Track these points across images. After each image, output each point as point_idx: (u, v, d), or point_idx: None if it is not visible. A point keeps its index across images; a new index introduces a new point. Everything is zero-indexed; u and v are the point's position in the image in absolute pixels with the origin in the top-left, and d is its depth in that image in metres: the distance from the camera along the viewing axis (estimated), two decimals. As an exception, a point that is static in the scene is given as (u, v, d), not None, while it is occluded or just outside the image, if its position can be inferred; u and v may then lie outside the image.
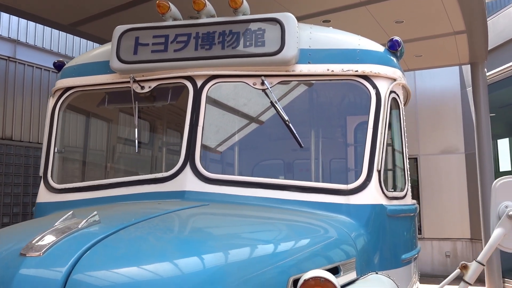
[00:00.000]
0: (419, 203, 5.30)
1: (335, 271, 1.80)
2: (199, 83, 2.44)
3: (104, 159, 3.32)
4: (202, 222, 1.85)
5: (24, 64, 7.46)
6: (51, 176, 2.62)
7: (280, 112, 2.33)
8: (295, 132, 2.31)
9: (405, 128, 2.63)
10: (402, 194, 2.46)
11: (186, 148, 2.33)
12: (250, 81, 2.42)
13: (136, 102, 2.54)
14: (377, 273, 2.15)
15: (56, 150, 2.71)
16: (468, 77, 8.33)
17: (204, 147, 2.37)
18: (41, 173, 2.64)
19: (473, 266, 1.10)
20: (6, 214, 6.95)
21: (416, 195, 8.72)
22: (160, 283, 1.24)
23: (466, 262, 1.13)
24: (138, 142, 3.03)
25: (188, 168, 2.29)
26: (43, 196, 2.58)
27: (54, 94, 2.78)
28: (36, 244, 1.25)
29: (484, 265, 1.12)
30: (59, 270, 1.19)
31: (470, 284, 1.12)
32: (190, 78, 2.46)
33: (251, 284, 1.41)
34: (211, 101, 2.47)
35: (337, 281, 1.11)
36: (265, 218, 2.00)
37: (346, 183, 2.25)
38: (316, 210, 2.18)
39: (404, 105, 3.11)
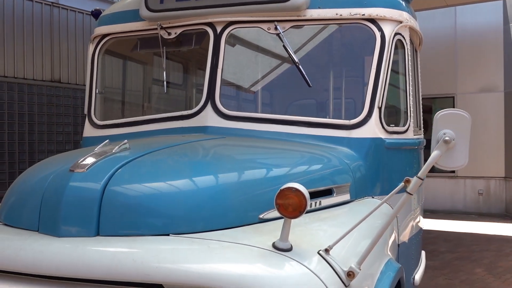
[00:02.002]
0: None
1: (328, 192, 2.12)
2: (218, 29, 2.71)
3: (140, 99, 3.70)
4: (216, 149, 2.19)
5: (67, 9, 7.84)
6: (94, 114, 3.03)
7: (291, 55, 2.58)
8: (304, 73, 2.56)
9: (413, 68, 2.81)
10: (403, 129, 2.69)
11: (207, 88, 2.64)
12: (264, 26, 2.66)
13: (164, 47, 2.85)
14: (372, 197, 2.46)
15: (97, 91, 3.10)
16: (512, 11, 8.07)
17: (223, 87, 2.67)
18: (85, 111, 3.05)
19: (414, 180, 1.38)
20: (59, 151, 7.59)
21: (451, 133, 8.74)
22: (174, 193, 1.60)
23: (409, 177, 1.41)
24: (169, 83, 3.37)
25: (209, 106, 2.61)
26: (88, 131, 3.00)
27: (93, 41, 3.12)
28: (81, 163, 1.62)
29: (422, 180, 1.38)
30: (98, 182, 1.56)
31: (411, 194, 1.40)
32: (210, 24, 2.72)
33: (250, 201, 1.75)
34: (230, 45, 2.74)
35: (307, 192, 1.41)
36: (271, 147, 2.32)
37: (349, 118, 2.51)
38: (320, 143, 2.47)
39: (417, 48, 3.27)
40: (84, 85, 6.66)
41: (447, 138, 1.36)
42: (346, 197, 2.22)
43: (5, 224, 1.71)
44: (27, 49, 7.26)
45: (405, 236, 2.75)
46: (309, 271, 1.38)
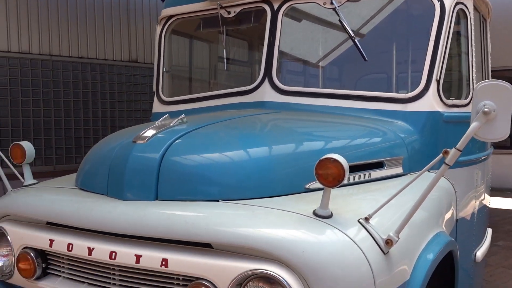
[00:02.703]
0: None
1: (379, 165, 2.15)
2: (275, 6, 2.77)
3: (205, 76, 3.87)
4: (269, 122, 2.29)
5: (142, -7, 8.20)
6: (162, 91, 3.24)
7: (346, 29, 2.59)
8: (360, 47, 2.57)
9: (478, 39, 2.70)
10: (464, 102, 2.62)
11: (265, 65, 2.73)
12: (320, 1, 2.68)
13: (224, 25, 2.97)
14: (429, 171, 2.44)
15: (164, 70, 3.30)
16: None
17: (280, 63, 2.75)
18: (154, 89, 3.28)
19: (452, 151, 1.38)
20: (137, 127, 8.03)
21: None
22: (225, 162, 1.73)
23: (447, 149, 1.41)
24: (233, 60, 3.50)
25: (266, 82, 2.70)
26: (156, 107, 3.22)
27: (160, 22, 3.32)
28: (142, 135, 1.80)
29: (460, 151, 1.38)
30: (157, 152, 1.73)
31: (449, 166, 1.41)
32: (267, 2, 2.79)
33: (297, 171, 1.84)
34: (287, 21, 2.80)
35: (346, 162, 1.47)
36: (323, 121, 2.37)
37: (405, 92, 2.49)
38: (376, 116, 2.48)
39: (486, 17, 3.12)
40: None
41: (486, 109, 1.35)
42: (398, 170, 2.24)
43: (81, 189, 1.95)
44: (107, 31, 7.73)
45: (466, 212, 2.70)
46: (347, 238, 1.46)
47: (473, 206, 2.84)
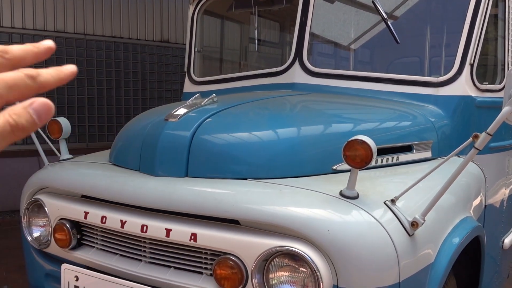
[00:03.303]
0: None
1: (407, 148, 2.14)
2: (308, -13, 2.75)
3: (236, 57, 3.89)
4: (298, 104, 2.31)
5: (175, -28, 8.22)
6: (193, 71, 3.28)
7: (379, 11, 2.55)
8: (392, 29, 2.54)
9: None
10: (498, 87, 2.57)
11: (296, 46, 2.73)
12: (354, -18, 2.65)
13: (256, 6, 2.97)
14: (458, 156, 2.42)
15: (196, 50, 3.33)
16: None
17: (311, 44, 2.74)
18: (185, 69, 3.32)
19: (482, 135, 1.37)
20: (167, 107, 8.13)
21: None
22: (254, 142, 1.76)
23: (477, 133, 1.39)
24: (265, 41, 3.51)
25: (296, 63, 2.71)
26: (188, 87, 3.27)
27: (193, 2, 3.34)
28: (174, 113, 1.84)
29: (491, 135, 1.37)
30: (188, 130, 1.77)
31: (479, 150, 1.40)
32: (300, -17, 2.78)
33: (325, 152, 1.85)
34: (319, 2, 2.78)
35: (374, 144, 1.47)
36: (353, 103, 2.37)
37: (438, 76, 2.46)
38: (407, 100, 2.46)
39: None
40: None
41: (519, 94, 1.34)
42: (427, 154, 2.22)
43: (114, 164, 2.02)
44: (140, 11, 7.81)
45: (495, 199, 2.67)
46: (373, 219, 1.47)
47: (503, 193, 2.80)
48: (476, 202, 2.26)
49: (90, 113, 7.35)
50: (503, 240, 2.84)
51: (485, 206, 2.46)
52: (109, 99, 7.57)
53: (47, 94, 6.87)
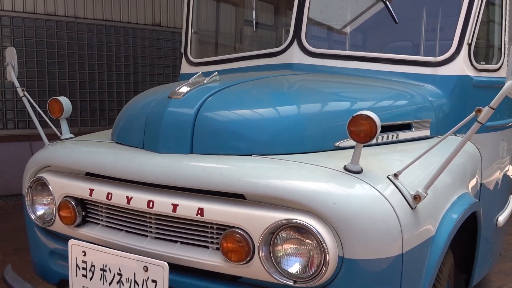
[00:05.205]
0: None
1: (407, 126, 2.18)
2: (306, -34, 2.75)
3: (232, 39, 3.88)
4: (298, 82, 2.32)
5: (166, -46, 8.12)
6: (190, 52, 3.28)
7: (378, -9, 2.56)
8: (390, 8, 2.55)
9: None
10: (495, 67, 2.60)
11: (294, 27, 2.73)
12: (352, -38, 2.65)
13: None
14: (455, 135, 2.45)
15: (192, 31, 3.32)
16: None
17: (309, 25, 2.75)
18: (182, 50, 3.31)
19: (485, 109, 1.40)
20: (160, 91, 8.08)
21: None
22: (258, 119, 1.78)
23: (480, 107, 1.43)
24: (260, 23, 3.50)
25: (295, 44, 2.71)
26: (184, 68, 3.27)
27: (189, -17, 3.32)
28: (178, 91, 1.85)
29: (494, 109, 1.40)
30: (192, 108, 1.78)
31: (482, 123, 1.43)
32: (298, -38, 2.77)
33: (327, 129, 1.88)
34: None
35: (378, 118, 1.50)
36: (352, 83, 2.39)
37: (436, 55, 2.48)
38: (405, 79, 2.49)
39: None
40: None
41: (521, 68, 1.37)
42: (426, 133, 2.26)
43: (117, 142, 2.02)
44: (131, -6, 7.72)
45: (490, 178, 2.72)
46: (377, 192, 1.51)
47: (498, 171, 2.86)
48: (472, 180, 2.30)
49: (82, 97, 7.29)
50: (497, 218, 2.90)
51: (481, 184, 2.51)
52: (101, 83, 7.51)
53: (38, 79, 6.81)
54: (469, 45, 2.43)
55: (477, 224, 2.17)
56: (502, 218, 2.94)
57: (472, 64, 2.46)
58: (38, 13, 6.77)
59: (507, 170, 3.17)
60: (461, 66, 2.44)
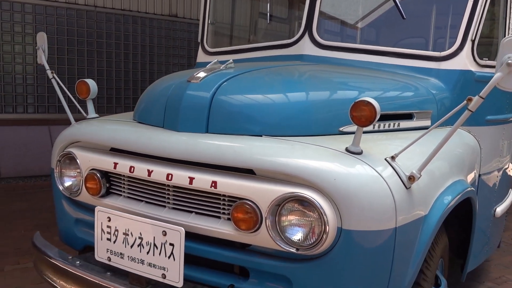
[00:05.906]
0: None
1: (408, 116, 2.32)
2: (319, -39, 2.89)
3: (247, 30, 4.03)
4: (308, 72, 2.47)
5: None
6: (206, 42, 3.44)
7: (387, -12, 2.70)
8: (398, 3, 2.68)
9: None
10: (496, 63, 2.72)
11: (306, 19, 2.88)
12: (364, -41, 2.79)
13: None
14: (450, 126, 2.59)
15: (209, 22, 3.49)
16: None
17: (320, 19, 2.89)
18: (199, 39, 3.48)
19: (475, 99, 1.54)
20: (175, 81, 8.24)
21: None
22: (268, 103, 1.94)
23: (471, 96, 1.56)
24: (273, 16, 3.65)
25: (306, 36, 2.86)
26: (201, 57, 3.43)
27: (207, -25, 3.47)
28: (196, 76, 2.01)
29: (483, 98, 1.53)
30: (208, 91, 1.94)
31: (472, 111, 1.57)
32: (311, -43, 2.91)
33: (332, 115, 2.03)
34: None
35: (378, 104, 1.64)
36: (359, 74, 2.54)
37: (440, 50, 2.61)
38: (410, 72, 2.63)
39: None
40: (198, 20, 7.11)
41: (510, 61, 1.50)
42: (427, 123, 2.40)
43: (139, 122, 2.20)
44: (149, -15, 7.89)
45: (489, 169, 2.84)
46: (375, 172, 1.66)
47: (497, 163, 2.98)
48: (470, 169, 2.44)
49: (99, 84, 7.46)
50: (495, 209, 3.03)
51: (479, 175, 2.64)
52: (118, 71, 7.71)
53: (58, 66, 7.02)
54: (473, 41, 2.56)
55: (472, 211, 2.31)
56: (500, 209, 3.07)
57: (475, 60, 2.59)
58: (59, 1, 6.98)
59: (507, 164, 3.29)
60: (464, 62, 2.56)
